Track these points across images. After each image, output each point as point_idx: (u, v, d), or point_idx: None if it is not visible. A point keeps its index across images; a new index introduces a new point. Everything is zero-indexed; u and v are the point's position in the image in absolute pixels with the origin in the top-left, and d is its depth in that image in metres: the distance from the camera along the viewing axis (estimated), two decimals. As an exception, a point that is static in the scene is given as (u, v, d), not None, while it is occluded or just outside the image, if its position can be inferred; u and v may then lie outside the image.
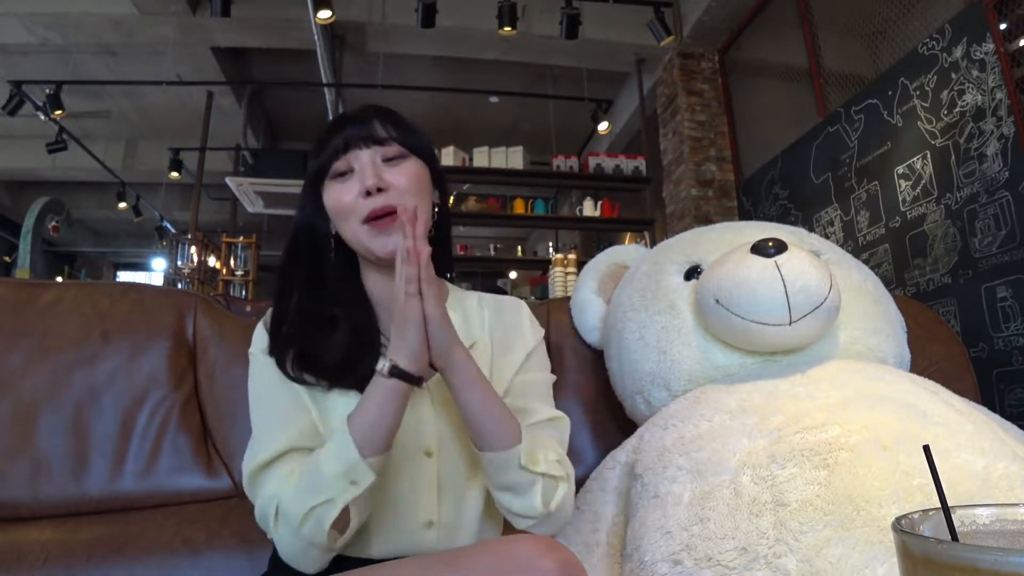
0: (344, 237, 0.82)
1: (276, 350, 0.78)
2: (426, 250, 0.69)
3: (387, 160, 0.81)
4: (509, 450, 0.71)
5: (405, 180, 0.80)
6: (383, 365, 0.69)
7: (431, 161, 0.86)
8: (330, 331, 0.80)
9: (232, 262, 5.93)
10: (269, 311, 0.84)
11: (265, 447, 0.73)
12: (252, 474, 0.72)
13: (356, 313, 0.83)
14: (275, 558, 0.78)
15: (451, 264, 0.94)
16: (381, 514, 0.76)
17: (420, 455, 0.78)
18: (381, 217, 0.78)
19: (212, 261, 6.22)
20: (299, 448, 0.73)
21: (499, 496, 0.75)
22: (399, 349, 0.70)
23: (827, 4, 3.78)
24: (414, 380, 0.69)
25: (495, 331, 0.89)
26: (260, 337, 0.82)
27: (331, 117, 4.53)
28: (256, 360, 0.81)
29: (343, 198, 0.80)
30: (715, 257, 1.00)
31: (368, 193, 0.78)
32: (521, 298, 1.01)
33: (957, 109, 2.62)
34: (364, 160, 0.80)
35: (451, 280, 0.94)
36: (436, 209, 0.87)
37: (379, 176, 0.79)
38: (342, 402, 0.76)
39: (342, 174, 0.81)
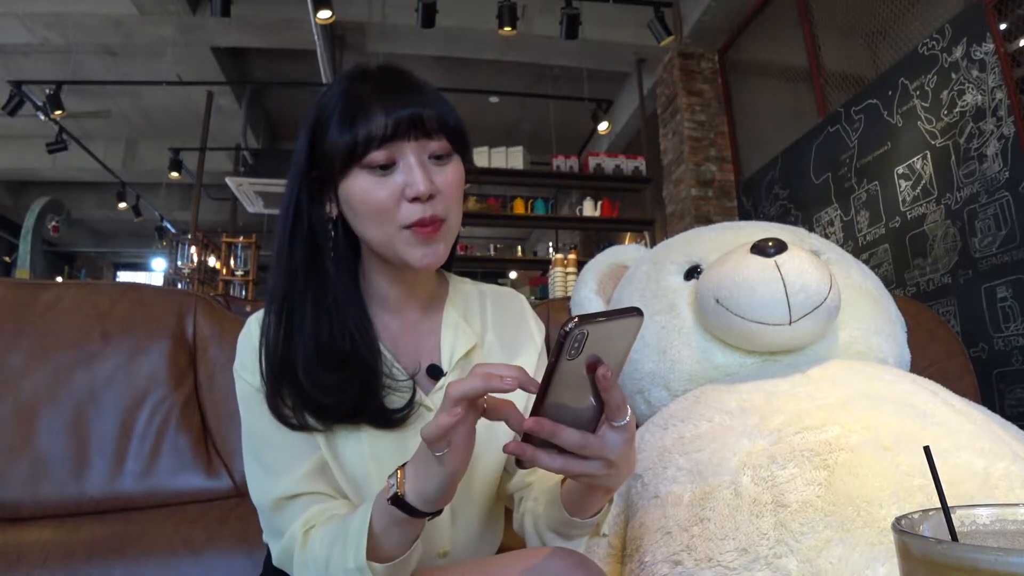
0: (367, 236, 0.71)
1: (272, 395, 0.69)
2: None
3: (433, 158, 0.69)
4: (594, 517, 0.68)
5: (451, 184, 0.70)
6: (391, 485, 0.57)
7: (468, 157, 0.75)
8: (338, 370, 0.69)
9: (232, 262, 5.94)
10: (251, 321, 0.75)
11: (276, 479, 0.68)
12: (272, 507, 0.68)
13: (360, 336, 0.72)
14: (270, 561, 0.78)
15: (453, 260, 0.87)
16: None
17: (432, 557, 0.72)
18: (427, 225, 0.68)
19: (212, 261, 6.23)
20: (311, 492, 0.68)
21: (546, 534, 0.71)
22: (416, 487, 0.56)
23: (827, 4, 3.78)
24: (426, 515, 0.58)
25: (501, 329, 0.83)
26: (245, 360, 0.72)
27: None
28: (245, 390, 0.72)
29: (379, 195, 0.67)
30: (715, 257, 1.00)
31: (416, 198, 0.67)
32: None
33: (957, 109, 2.62)
34: (411, 157, 0.67)
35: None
36: None
37: (431, 180, 0.67)
38: (353, 439, 0.70)
39: (382, 166, 0.67)
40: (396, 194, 0.67)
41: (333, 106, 0.69)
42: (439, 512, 0.59)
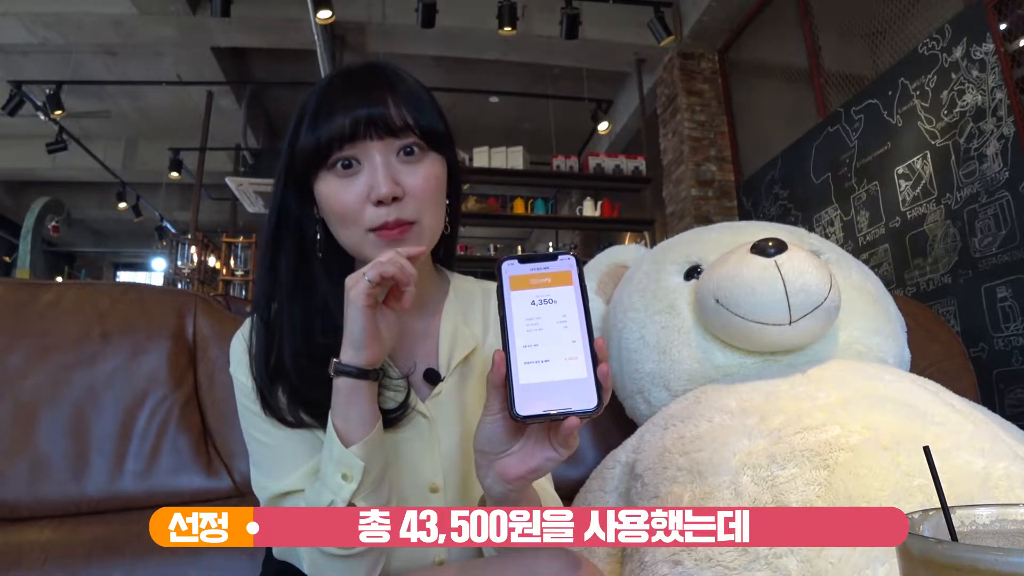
0: (339, 239, 0.70)
1: (265, 395, 0.68)
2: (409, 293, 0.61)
3: (401, 153, 0.67)
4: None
5: (422, 184, 0.67)
6: (331, 364, 0.63)
7: (450, 154, 0.73)
8: (325, 366, 0.67)
9: (232, 262, 5.94)
10: (246, 324, 0.74)
11: (277, 481, 0.68)
12: (269, 503, 0.69)
13: None
14: (268, 562, 0.78)
15: (454, 260, 0.86)
16: (388, 553, 0.69)
17: (424, 492, 0.71)
18: (391, 228, 0.66)
19: (212, 261, 6.23)
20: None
21: None
22: (344, 341, 0.62)
23: (827, 4, 3.78)
24: (365, 375, 0.62)
25: None
26: (240, 359, 0.72)
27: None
28: (242, 392, 0.71)
29: (344, 198, 0.66)
30: (715, 257, 1.00)
31: (379, 201, 0.65)
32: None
33: (957, 109, 2.62)
34: (376, 157, 0.66)
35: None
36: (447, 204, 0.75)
37: (394, 181, 0.65)
38: None
39: (345, 166, 0.66)
40: (361, 196, 0.66)
41: (307, 107, 0.69)
42: (381, 371, 0.64)
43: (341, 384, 0.62)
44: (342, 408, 0.63)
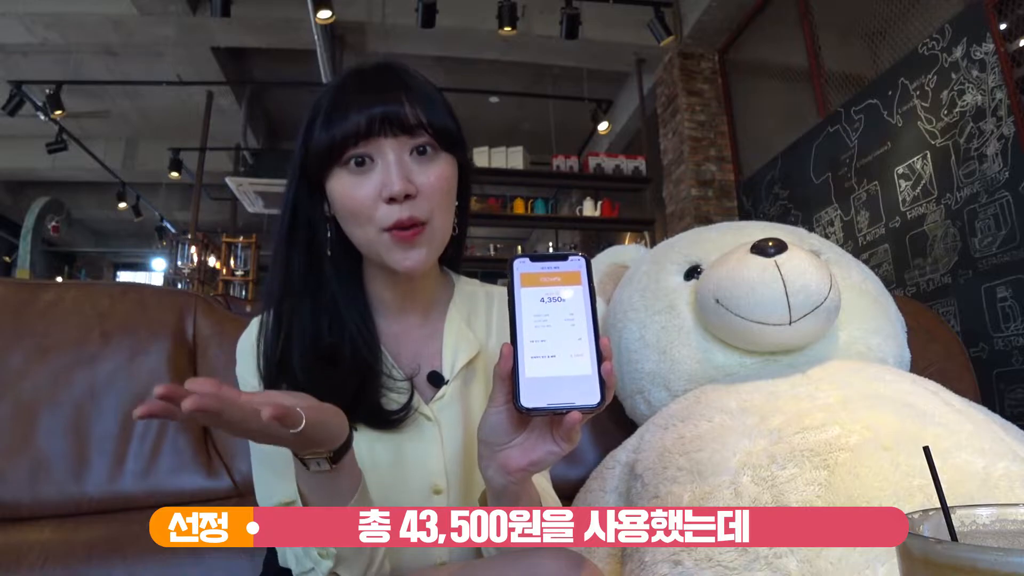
0: (351, 238, 0.70)
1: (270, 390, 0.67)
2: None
3: (415, 152, 0.68)
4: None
5: (435, 184, 0.67)
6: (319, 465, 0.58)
7: (461, 155, 0.73)
8: (331, 365, 0.67)
9: (232, 262, 5.95)
10: (253, 324, 0.74)
11: (278, 488, 0.68)
12: None
13: (359, 335, 0.72)
14: (269, 561, 0.77)
15: (460, 261, 0.86)
16: (390, 554, 0.69)
17: (428, 493, 0.71)
18: (405, 227, 0.66)
19: (212, 261, 6.24)
20: None
21: None
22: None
23: (827, 4, 3.78)
24: (303, 463, 0.59)
25: (506, 333, 0.82)
26: (247, 360, 0.72)
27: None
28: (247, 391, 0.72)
29: (357, 195, 0.66)
30: (715, 257, 1.00)
31: (392, 199, 0.65)
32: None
33: (957, 109, 2.62)
34: (389, 155, 0.66)
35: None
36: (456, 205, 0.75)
37: (408, 180, 0.66)
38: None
39: (359, 163, 0.67)
40: (374, 194, 0.66)
41: (321, 104, 0.69)
42: (338, 454, 0.58)
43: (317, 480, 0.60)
44: (306, 493, 0.62)
